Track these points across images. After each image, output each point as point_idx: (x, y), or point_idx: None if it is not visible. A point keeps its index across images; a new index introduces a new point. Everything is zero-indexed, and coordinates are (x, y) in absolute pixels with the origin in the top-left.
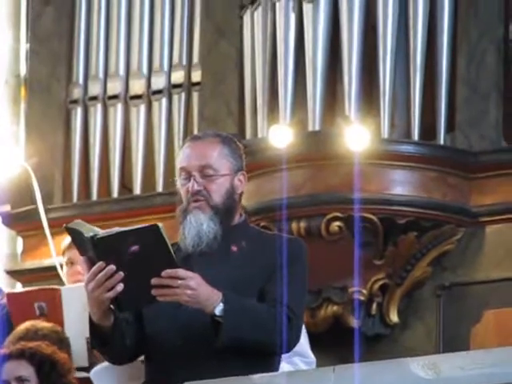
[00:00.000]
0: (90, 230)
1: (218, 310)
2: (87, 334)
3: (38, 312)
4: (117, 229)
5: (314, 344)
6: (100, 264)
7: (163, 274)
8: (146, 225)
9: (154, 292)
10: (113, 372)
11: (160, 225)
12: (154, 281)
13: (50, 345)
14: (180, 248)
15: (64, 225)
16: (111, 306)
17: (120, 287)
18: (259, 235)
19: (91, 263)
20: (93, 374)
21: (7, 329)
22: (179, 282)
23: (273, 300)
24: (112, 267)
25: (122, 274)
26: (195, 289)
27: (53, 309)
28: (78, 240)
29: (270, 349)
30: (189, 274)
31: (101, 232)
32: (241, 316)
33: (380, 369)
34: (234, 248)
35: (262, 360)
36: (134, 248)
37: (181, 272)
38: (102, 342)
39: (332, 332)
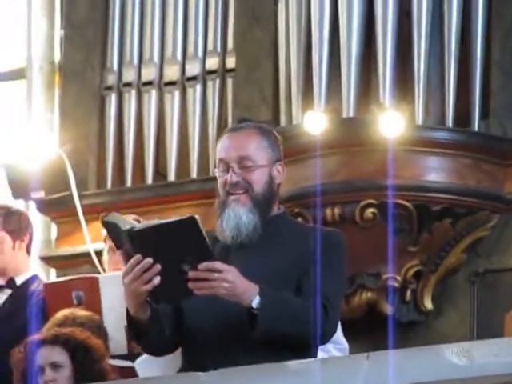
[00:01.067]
0: (127, 223)
1: (255, 302)
2: (126, 322)
3: (75, 301)
4: (154, 221)
5: (347, 331)
6: (137, 257)
7: (200, 266)
8: (183, 217)
9: (190, 285)
10: (158, 362)
11: (197, 217)
12: (191, 274)
13: (84, 331)
14: (217, 240)
15: (100, 218)
16: (148, 299)
17: (157, 280)
18: (298, 227)
19: (128, 256)
20: (138, 363)
21: (42, 317)
22: (216, 275)
23: (310, 291)
24: (149, 260)
25: (159, 266)
26: (232, 282)
27: (91, 297)
28: (114, 233)
29: (307, 341)
30: (226, 266)
31: (137, 225)
32: (277, 309)
33: (414, 355)
34: (273, 240)
35: (298, 351)
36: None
37: (218, 265)
38: (140, 334)
39: (366, 319)
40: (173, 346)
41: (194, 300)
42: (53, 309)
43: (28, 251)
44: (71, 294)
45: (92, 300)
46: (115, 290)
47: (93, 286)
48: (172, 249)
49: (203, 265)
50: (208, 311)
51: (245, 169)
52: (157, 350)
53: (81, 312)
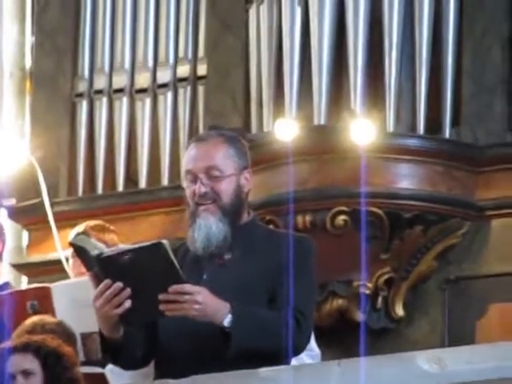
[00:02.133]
0: (95, 247)
1: (227, 321)
2: (80, 330)
3: (30, 311)
4: (121, 246)
5: (319, 338)
6: (107, 282)
7: (170, 290)
8: (150, 242)
9: (161, 307)
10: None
11: (164, 241)
12: (161, 296)
13: (55, 338)
14: (189, 249)
15: (68, 240)
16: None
17: (128, 304)
18: (268, 234)
19: (98, 279)
20: (107, 370)
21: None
22: (186, 296)
23: (282, 302)
24: (119, 285)
25: (129, 290)
26: (202, 303)
27: (44, 306)
28: (83, 255)
29: (281, 354)
30: (195, 288)
31: (105, 250)
32: (250, 326)
33: (385, 362)
34: (244, 249)
35: (271, 364)
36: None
37: (187, 287)
38: (113, 353)
39: (337, 326)
40: (146, 361)
41: (167, 318)
42: (9, 318)
43: (0, 258)
44: (26, 304)
45: (46, 308)
46: (68, 299)
47: (45, 296)
48: (141, 273)
49: (173, 288)
50: (181, 328)
51: (212, 179)
52: (131, 366)
53: (50, 319)
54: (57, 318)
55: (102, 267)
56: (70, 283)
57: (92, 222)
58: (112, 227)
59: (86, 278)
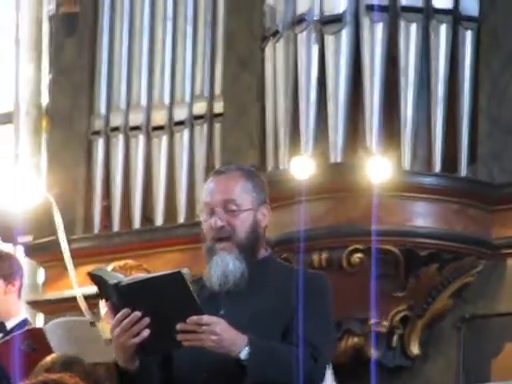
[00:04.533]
0: (114, 277)
1: (243, 354)
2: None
3: (27, 349)
4: (140, 275)
5: (335, 376)
6: (125, 311)
7: (188, 321)
8: (170, 271)
9: (179, 337)
10: None
11: (184, 271)
12: (179, 326)
13: (73, 376)
14: (205, 285)
15: (87, 271)
16: (137, 351)
17: (146, 333)
18: (284, 270)
19: (116, 308)
20: None
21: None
22: (204, 327)
23: (298, 338)
24: (137, 314)
25: (147, 319)
26: (220, 334)
27: (40, 344)
28: (101, 286)
29: None
30: (213, 319)
31: (124, 279)
32: (266, 360)
33: None
34: (260, 285)
35: None
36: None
37: (205, 318)
38: None
39: (353, 363)
40: None
41: (183, 349)
42: (9, 366)
43: (19, 295)
44: (21, 346)
45: (42, 347)
46: (62, 337)
47: (40, 336)
48: (159, 302)
49: (191, 319)
50: (197, 361)
51: (229, 213)
52: None
53: (66, 356)
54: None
55: (120, 296)
56: (60, 321)
57: (121, 262)
58: (145, 265)
59: (77, 317)
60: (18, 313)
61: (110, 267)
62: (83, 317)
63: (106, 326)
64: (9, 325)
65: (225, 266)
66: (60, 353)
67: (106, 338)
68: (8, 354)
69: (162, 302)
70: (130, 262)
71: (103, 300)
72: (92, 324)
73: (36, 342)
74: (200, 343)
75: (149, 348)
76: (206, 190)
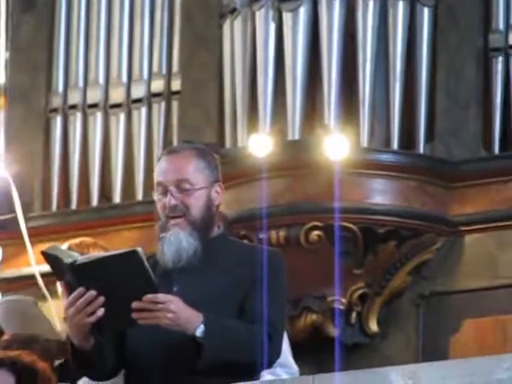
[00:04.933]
0: (68, 256)
1: (199, 331)
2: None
3: None
4: (96, 254)
5: (293, 353)
6: (80, 290)
7: (143, 299)
8: (125, 250)
9: (134, 315)
10: None
11: (139, 249)
12: (134, 305)
13: (30, 353)
14: (158, 262)
15: (41, 250)
16: (92, 330)
17: (101, 312)
18: (238, 247)
19: (70, 288)
20: None
21: None
22: (159, 305)
23: (253, 316)
24: (92, 293)
25: (102, 299)
26: (175, 312)
27: None
28: (55, 265)
29: (252, 367)
30: (169, 297)
31: (79, 258)
32: (222, 337)
33: (359, 378)
34: (214, 262)
35: (242, 377)
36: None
37: (161, 296)
38: (83, 363)
39: (312, 341)
40: (115, 372)
41: (137, 327)
42: None
43: None
44: None
45: None
46: (9, 315)
47: None
48: (115, 281)
49: (146, 297)
50: (152, 339)
51: (183, 192)
52: (100, 377)
53: (24, 334)
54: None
55: (75, 275)
56: (7, 300)
57: (77, 240)
58: (101, 243)
59: (21, 296)
60: None
61: (65, 245)
62: (30, 296)
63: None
64: None
65: (178, 244)
66: (7, 328)
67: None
68: None
69: (117, 280)
70: (86, 239)
71: (57, 278)
72: (35, 304)
73: None
74: (155, 321)
75: (104, 327)
76: (159, 170)
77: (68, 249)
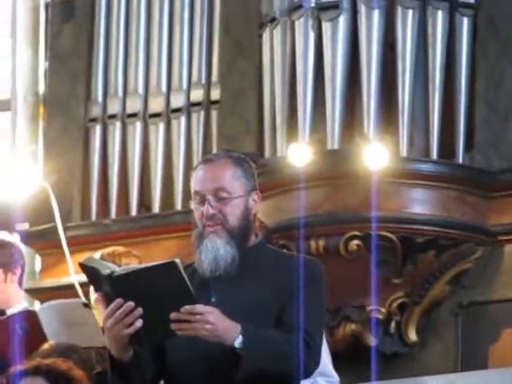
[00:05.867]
0: (106, 267)
1: (238, 342)
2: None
3: (20, 332)
4: (134, 265)
5: (333, 363)
6: (118, 301)
7: (182, 310)
8: (163, 261)
9: (173, 326)
10: None
11: (177, 260)
12: (173, 316)
13: (66, 361)
14: (196, 271)
15: (79, 262)
16: (130, 341)
17: (139, 323)
18: (276, 255)
19: (108, 299)
20: None
21: None
22: (198, 316)
23: (292, 326)
24: (131, 304)
25: (140, 310)
26: (214, 323)
27: (33, 328)
28: (92, 276)
29: (291, 377)
30: (207, 308)
31: (117, 269)
32: (260, 348)
33: None
34: (251, 271)
35: None
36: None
37: (199, 308)
38: (122, 375)
39: (351, 351)
40: (155, 383)
41: (176, 339)
42: (2, 344)
43: (20, 284)
44: (15, 327)
45: (35, 330)
46: (54, 320)
47: (33, 318)
48: (153, 292)
49: (185, 308)
50: (192, 350)
51: (221, 200)
52: None
53: (63, 344)
54: (46, 338)
55: (113, 286)
56: (52, 304)
57: (109, 249)
58: (134, 252)
59: (70, 299)
60: (19, 301)
61: (97, 254)
62: (79, 299)
63: (97, 312)
64: (9, 313)
65: (215, 252)
66: (52, 335)
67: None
68: (2, 335)
69: (155, 291)
70: (118, 248)
71: (94, 290)
72: (85, 305)
73: (29, 324)
74: (194, 332)
75: (142, 338)
76: (196, 179)
77: (100, 258)
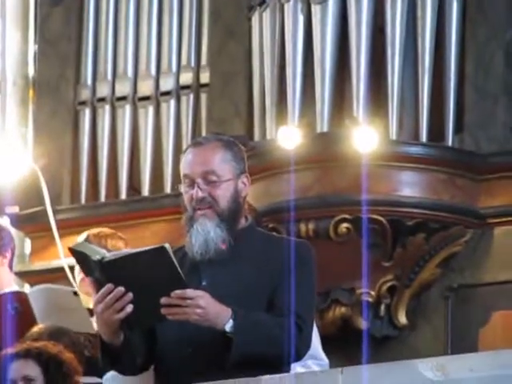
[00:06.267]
0: (96, 252)
1: (228, 326)
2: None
3: (12, 311)
4: (124, 251)
5: (322, 346)
6: (108, 286)
7: (172, 295)
8: (153, 246)
9: (163, 311)
10: (125, 379)
11: (167, 245)
12: (163, 300)
13: (56, 344)
14: (186, 254)
15: (68, 247)
16: (121, 326)
17: (130, 308)
18: (266, 238)
19: (98, 284)
20: (106, 379)
21: None
22: (188, 301)
23: (283, 309)
24: (121, 289)
25: (131, 295)
26: (204, 307)
27: (25, 309)
28: (82, 261)
29: (282, 360)
30: (198, 292)
31: (107, 254)
32: (251, 332)
33: (388, 370)
34: (242, 254)
35: (272, 370)
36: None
37: (189, 292)
38: (113, 359)
39: (340, 334)
40: (145, 366)
41: (167, 323)
42: None
43: (10, 267)
44: (7, 306)
45: (26, 311)
46: (44, 303)
47: (23, 300)
48: (143, 277)
49: (175, 293)
50: (181, 334)
51: (210, 184)
52: (130, 373)
53: (53, 326)
54: (36, 320)
55: (103, 272)
56: (43, 288)
57: (95, 230)
58: (119, 234)
59: (61, 286)
60: (10, 284)
61: (83, 236)
62: (68, 287)
63: (83, 296)
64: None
65: (206, 234)
66: (41, 318)
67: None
68: None
69: (145, 276)
70: (104, 230)
71: (85, 275)
72: (75, 294)
73: (20, 304)
74: (184, 317)
75: (133, 322)
76: (185, 162)
77: (86, 239)
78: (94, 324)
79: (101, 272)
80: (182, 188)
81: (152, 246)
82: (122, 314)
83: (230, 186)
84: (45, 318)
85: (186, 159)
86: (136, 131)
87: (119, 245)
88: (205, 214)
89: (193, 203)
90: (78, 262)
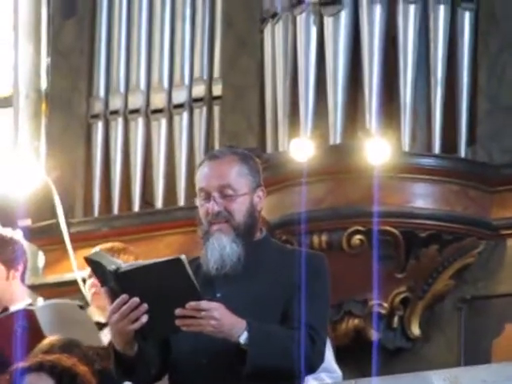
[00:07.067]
0: (111, 263)
1: (243, 338)
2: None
3: (20, 330)
4: (140, 262)
5: (336, 358)
6: (123, 296)
7: (187, 306)
8: (169, 258)
9: (178, 322)
10: None
11: (183, 257)
12: (178, 311)
13: (70, 357)
14: (201, 265)
15: (84, 256)
16: (135, 337)
17: (144, 319)
18: (281, 250)
19: (113, 294)
20: None
21: None
22: (203, 313)
23: (297, 322)
24: (136, 300)
25: (145, 305)
26: (219, 319)
27: (32, 326)
28: (98, 271)
29: (295, 372)
30: (212, 304)
31: (123, 265)
32: (266, 344)
33: (401, 382)
34: (256, 267)
35: (286, 382)
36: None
37: (204, 304)
38: (127, 370)
39: (354, 345)
40: (159, 377)
41: (182, 334)
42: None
43: (22, 280)
44: (14, 327)
45: (34, 329)
46: (53, 319)
47: (32, 317)
48: (158, 288)
49: (190, 304)
50: (196, 345)
51: (226, 198)
52: (144, 383)
53: (65, 339)
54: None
55: (118, 282)
56: (50, 304)
57: (108, 244)
58: (131, 248)
59: (67, 300)
60: (23, 298)
61: (96, 249)
62: (75, 300)
63: (93, 309)
64: (13, 310)
65: (222, 249)
66: (49, 334)
67: (94, 321)
68: (2, 333)
69: (160, 287)
70: (116, 244)
71: (100, 284)
72: (81, 307)
73: (28, 322)
74: (199, 328)
75: (147, 333)
76: (201, 175)
77: None
78: (102, 337)
79: (116, 282)
80: (198, 201)
81: (168, 258)
82: (136, 325)
83: (245, 200)
84: (53, 333)
85: (202, 172)
86: (149, 144)
87: (131, 259)
88: (221, 229)
89: (208, 217)
90: (93, 271)
